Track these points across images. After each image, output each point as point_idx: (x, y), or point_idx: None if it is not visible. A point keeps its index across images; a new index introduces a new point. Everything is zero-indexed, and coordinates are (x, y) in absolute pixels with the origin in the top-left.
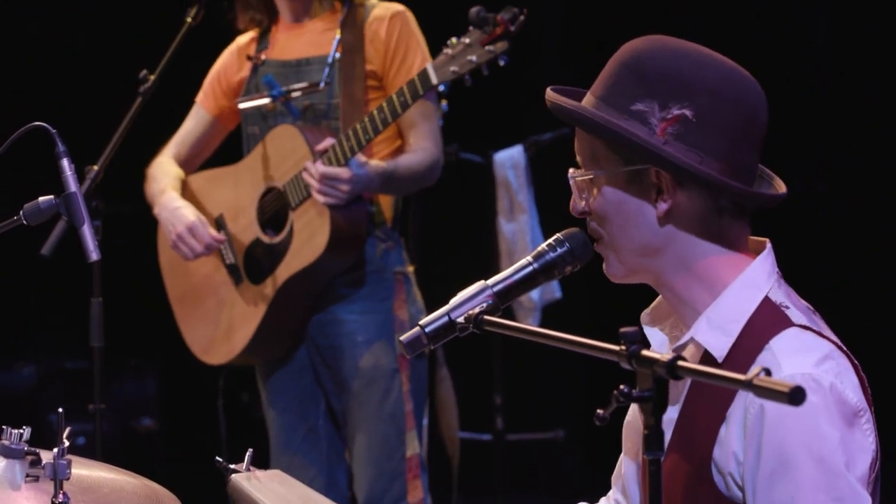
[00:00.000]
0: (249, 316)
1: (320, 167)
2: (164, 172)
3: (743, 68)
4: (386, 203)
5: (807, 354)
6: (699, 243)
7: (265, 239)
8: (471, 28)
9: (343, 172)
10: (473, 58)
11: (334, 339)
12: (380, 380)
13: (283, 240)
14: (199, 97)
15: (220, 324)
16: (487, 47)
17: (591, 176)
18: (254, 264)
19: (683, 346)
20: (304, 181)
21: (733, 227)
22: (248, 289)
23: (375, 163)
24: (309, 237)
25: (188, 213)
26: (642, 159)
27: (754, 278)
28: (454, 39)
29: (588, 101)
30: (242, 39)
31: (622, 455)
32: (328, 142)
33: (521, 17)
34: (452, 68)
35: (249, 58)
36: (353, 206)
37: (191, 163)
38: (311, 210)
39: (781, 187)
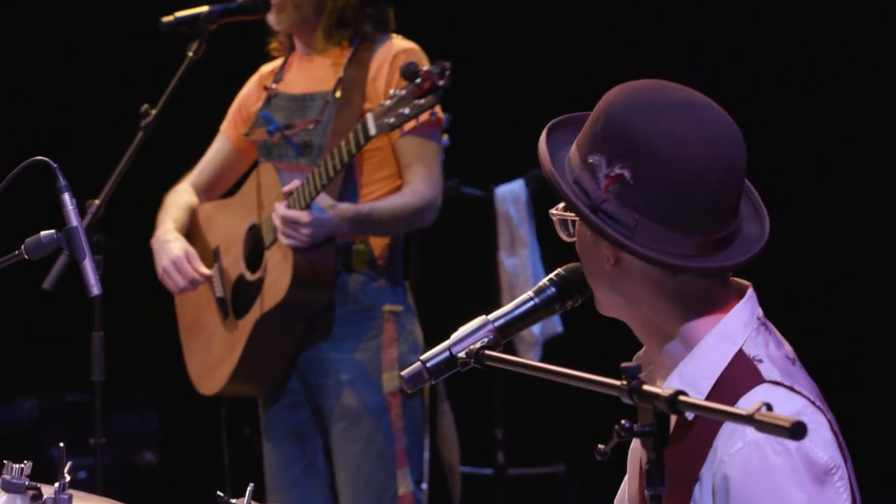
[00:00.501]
0: (232, 349)
1: (281, 210)
2: (173, 202)
3: (720, 124)
4: (376, 242)
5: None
6: (657, 303)
7: (247, 275)
8: (406, 81)
9: (302, 216)
10: (406, 111)
11: (321, 377)
12: (365, 419)
13: (259, 277)
14: (223, 125)
15: (210, 356)
16: (416, 101)
17: (563, 216)
18: (239, 299)
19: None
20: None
21: (696, 282)
22: (233, 322)
23: (345, 206)
24: (276, 277)
25: (175, 247)
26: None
27: (729, 331)
28: (392, 91)
29: (574, 143)
30: (265, 68)
31: (625, 477)
32: (293, 184)
33: (448, 72)
34: (388, 120)
35: (266, 88)
36: (321, 248)
37: (210, 191)
38: (280, 250)
39: (749, 250)
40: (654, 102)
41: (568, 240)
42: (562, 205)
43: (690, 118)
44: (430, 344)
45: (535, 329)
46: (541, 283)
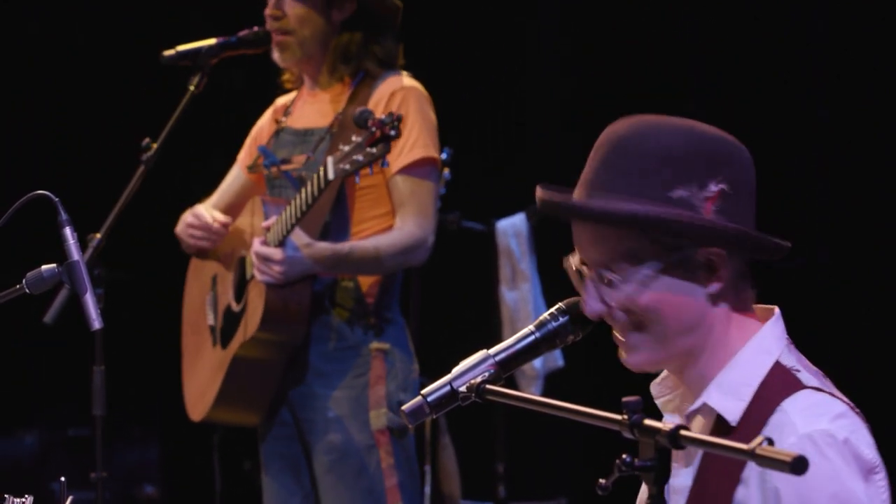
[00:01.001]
0: (215, 377)
1: (256, 245)
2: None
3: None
4: (365, 279)
5: (821, 413)
6: (729, 312)
7: (233, 305)
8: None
9: (275, 253)
10: (360, 158)
11: (309, 413)
12: (352, 455)
13: (241, 309)
14: (240, 154)
15: (200, 382)
16: (369, 149)
17: (634, 271)
18: (225, 328)
19: (695, 413)
20: None
21: (749, 291)
22: (219, 350)
23: (323, 245)
24: (252, 311)
25: (199, 207)
26: (695, 243)
27: (765, 343)
28: (353, 136)
29: (587, 197)
30: (280, 101)
31: None
32: (271, 220)
33: (398, 122)
34: (344, 166)
35: (276, 121)
36: (295, 285)
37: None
38: (257, 285)
39: None
40: (686, 124)
41: (599, 309)
42: (593, 272)
43: (714, 129)
44: (431, 378)
45: (537, 363)
46: (542, 318)
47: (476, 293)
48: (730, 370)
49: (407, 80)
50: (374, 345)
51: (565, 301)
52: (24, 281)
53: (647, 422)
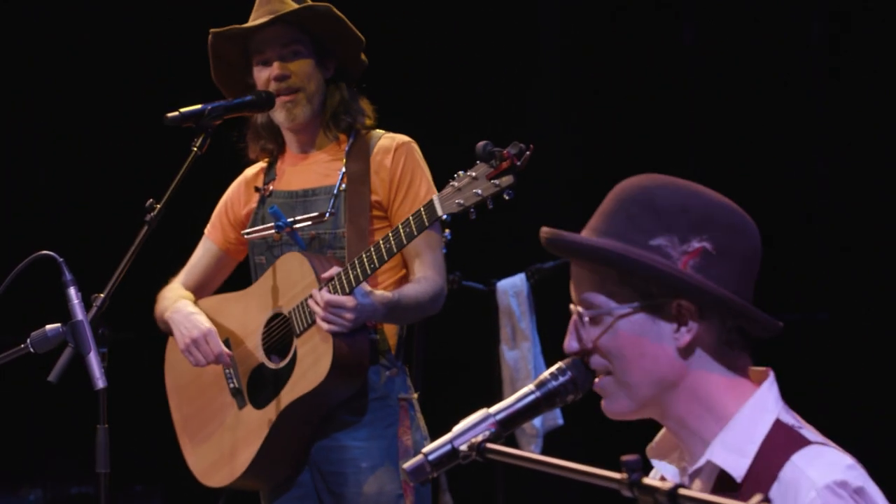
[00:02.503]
0: (251, 439)
1: (325, 295)
2: (173, 291)
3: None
4: (390, 331)
5: (834, 464)
6: (711, 373)
7: (269, 364)
8: (477, 162)
9: (348, 301)
10: (479, 191)
11: (339, 466)
12: None
13: (287, 365)
14: (208, 229)
15: (222, 447)
16: (493, 181)
17: (607, 312)
18: (257, 389)
19: (699, 471)
20: (309, 308)
21: (740, 357)
22: (251, 413)
23: (380, 293)
24: (312, 363)
25: (203, 319)
26: (667, 292)
27: (763, 403)
28: (461, 172)
29: (601, 241)
30: (250, 171)
31: None
32: (334, 270)
33: (528, 153)
34: (458, 200)
35: (257, 189)
36: (357, 335)
37: (198, 293)
38: (315, 336)
39: None
40: (689, 185)
41: (576, 346)
42: (578, 307)
43: (719, 196)
44: (431, 436)
45: (536, 421)
46: (542, 377)
47: (477, 352)
48: (731, 429)
49: (400, 135)
50: (402, 395)
51: (566, 360)
52: (28, 340)
53: (647, 480)
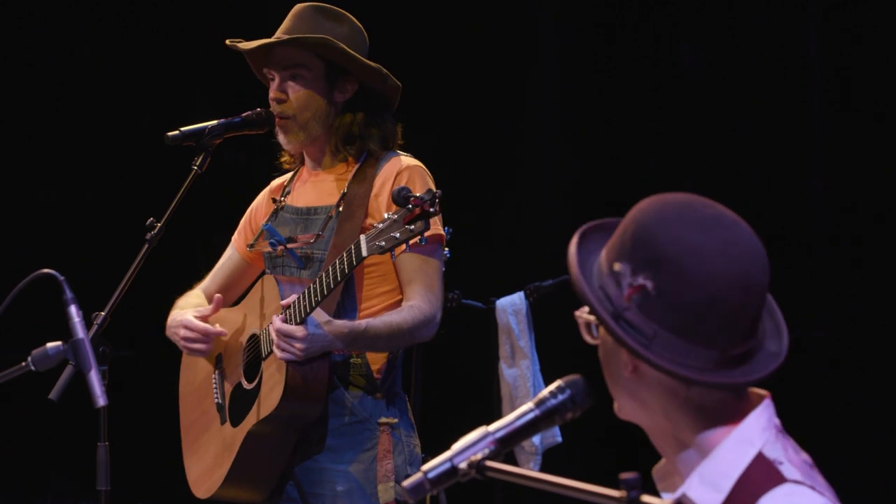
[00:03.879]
0: (225, 456)
1: (277, 323)
2: (185, 300)
3: (745, 244)
4: (374, 356)
5: None
6: (672, 411)
7: (244, 383)
8: (397, 206)
9: (297, 331)
10: (396, 234)
11: (318, 487)
12: None
13: (255, 387)
14: (234, 236)
15: (206, 459)
16: (407, 226)
17: (587, 319)
18: (235, 406)
19: (679, 501)
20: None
21: (711, 393)
22: (228, 429)
23: (340, 323)
24: (270, 389)
25: (184, 313)
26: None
27: (748, 434)
28: (387, 214)
29: (604, 249)
30: (276, 182)
31: None
32: (291, 298)
33: (437, 199)
34: (379, 243)
35: (274, 201)
36: (314, 362)
37: (224, 297)
38: (274, 362)
39: (767, 367)
40: (683, 217)
41: (592, 342)
42: (587, 308)
43: (717, 235)
44: (431, 454)
45: (535, 439)
46: (541, 395)
47: (476, 370)
48: (710, 461)
49: (408, 159)
50: (383, 419)
51: (564, 378)
52: (29, 358)
53: (645, 498)
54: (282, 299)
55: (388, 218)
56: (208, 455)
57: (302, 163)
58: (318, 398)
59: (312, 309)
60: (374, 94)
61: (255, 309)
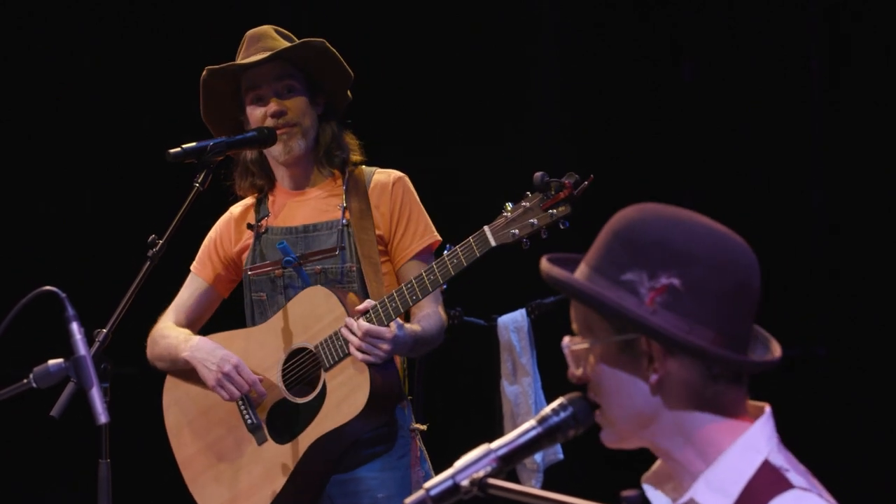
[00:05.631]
0: (274, 475)
1: (364, 324)
2: (171, 329)
3: (735, 235)
4: (399, 364)
5: None
6: (693, 411)
7: (293, 399)
8: (530, 193)
9: (386, 332)
10: (534, 221)
11: (354, 498)
12: None
13: (314, 399)
14: (195, 266)
15: (238, 484)
16: (549, 210)
17: (586, 345)
18: (279, 424)
19: None
20: (340, 341)
21: (728, 392)
22: (273, 448)
23: (410, 326)
24: (346, 395)
25: (229, 352)
26: (632, 329)
27: (754, 442)
28: (509, 205)
29: (582, 270)
30: (236, 209)
31: None
32: (367, 303)
33: (586, 183)
34: (513, 231)
35: (250, 226)
36: (389, 367)
37: (190, 329)
38: (348, 368)
39: (776, 351)
40: (678, 216)
41: (578, 375)
42: (567, 338)
43: (716, 228)
44: (434, 470)
45: (537, 456)
46: (543, 412)
47: (477, 387)
48: (718, 467)
49: (393, 171)
50: (414, 425)
51: (566, 396)
52: (31, 375)
53: None
54: (345, 308)
55: (519, 206)
56: (240, 480)
57: (270, 186)
58: (392, 403)
59: (406, 309)
60: (335, 108)
61: (292, 325)
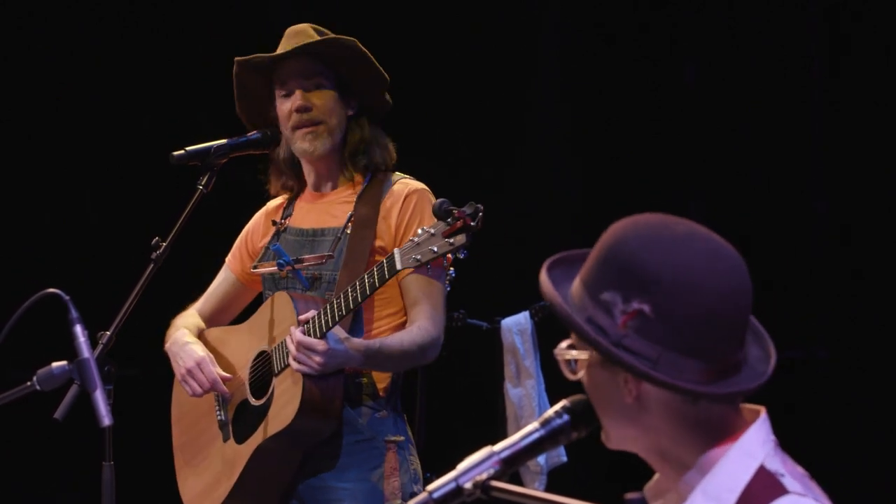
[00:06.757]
0: (228, 473)
1: (298, 335)
2: (183, 320)
3: (724, 254)
4: (380, 375)
5: None
6: (676, 432)
7: (252, 401)
8: (436, 219)
9: (318, 344)
10: (434, 248)
11: None
12: None
13: (265, 404)
14: (228, 258)
15: (207, 478)
16: (447, 239)
17: (573, 354)
18: (240, 424)
19: None
20: (285, 349)
21: (714, 409)
22: (232, 447)
23: (359, 341)
24: (283, 404)
25: (198, 349)
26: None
27: (748, 448)
28: (420, 229)
29: (575, 281)
30: (272, 204)
31: None
32: (311, 312)
33: (481, 214)
34: (416, 256)
35: (274, 223)
36: (329, 378)
37: (215, 320)
38: (289, 377)
39: (769, 361)
40: (663, 237)
41: (572, 378)
42: (564, 344)
43: (700, 250)
44: (436, 473)
45: (540, 458)
46: (546, 415)
47: (481, 390)
48: (714, 476)
49: (413, 182)
50: (390, 437)
51: (570, 398)
52: (34, 378)
53: None
54: (297, 315)
55: (426, 231)
56: (208, 473)
57: (300, 186)
58: (332, 415)
59: (335, 323)
60: (371, 111)
61: (263, 326)
